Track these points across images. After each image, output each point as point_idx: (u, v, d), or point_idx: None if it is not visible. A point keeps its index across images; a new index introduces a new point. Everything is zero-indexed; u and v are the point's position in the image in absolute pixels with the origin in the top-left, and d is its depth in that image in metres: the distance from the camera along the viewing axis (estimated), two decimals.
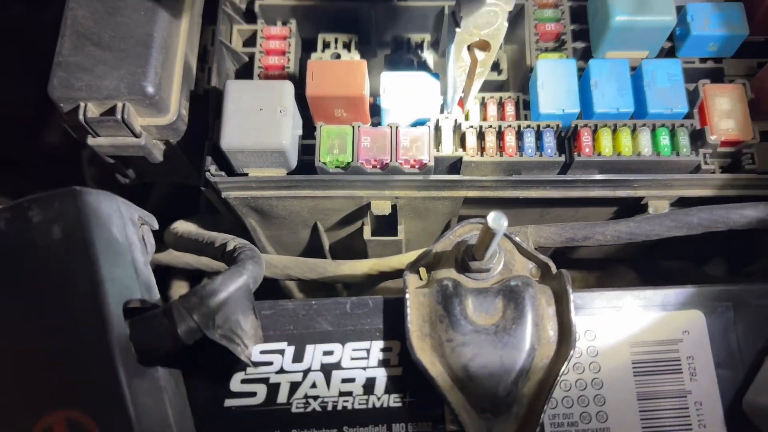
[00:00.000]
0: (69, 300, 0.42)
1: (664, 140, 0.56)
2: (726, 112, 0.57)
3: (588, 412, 0.47)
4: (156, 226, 0.52)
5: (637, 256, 0.79)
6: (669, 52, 0.61)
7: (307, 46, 0.65)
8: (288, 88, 0.56)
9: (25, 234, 0.43)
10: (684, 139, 0.56)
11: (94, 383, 0.40)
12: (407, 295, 0.48)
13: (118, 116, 0.55)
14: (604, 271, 0.79)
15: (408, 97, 0.56)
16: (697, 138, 0.56)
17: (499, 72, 0.63)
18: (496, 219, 0.41)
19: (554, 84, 0.57)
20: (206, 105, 0.61)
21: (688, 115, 0.57)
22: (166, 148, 0.61)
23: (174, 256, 0.70)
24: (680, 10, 0.59)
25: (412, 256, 0.55)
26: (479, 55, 0.53)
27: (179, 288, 0.75)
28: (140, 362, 0.42)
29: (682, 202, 0.58)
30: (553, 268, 0.49)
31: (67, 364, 0.41)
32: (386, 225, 0.64)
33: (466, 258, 0.49)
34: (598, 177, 0.56)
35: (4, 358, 0.41)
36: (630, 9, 0.57)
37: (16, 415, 0.40)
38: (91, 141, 0.59)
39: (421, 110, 0.56)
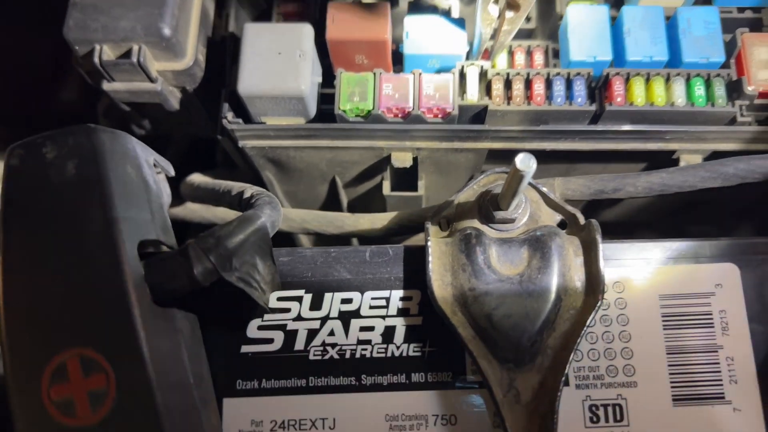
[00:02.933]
0: (83, 238, 0.41)
1: (699, 90, 0.54)
2: (764, 63, 0.54)
3: (615, 365, 0.45)
4: (172, 173, 0.51)
5: (660, 219, 0.76)
6: (705, 0, 0.58)
7: None
8: (308, 30, 0.54)
9: (39, 170, 0.42)
10: (720, 90, 0.54)
11: (108, 323, 0.39)
12: (429, 243, 0.46)
13: (134, 59, 0.54)
14: (627, 235, 0.77)
15: (432, 42, 0.54)
16: (734, 89, 0.54)
17: (528, 20, 0.61)
18: (524, 160, 0.40)
19: (585, 31, 0.55)
20: (223, 53, 0.59)
21: (725, 65, 0.54)
22: (182, 96, 0.60)
23: (190, 210, 0.69)
24: None
25: (434, 208, 0.54)
26: (508, 14, 0.51)
27: None
28: (155, 303, 0.41)
29: (715, 156, 0.56)
30: (581, 219, 0.47)
31: (81, 303, 0.39)
32: (406, 180, 0.63)
33: (490, 207, 0.47)
34: (630, 128, 0.54)
35: (17, 295, 0.40)
36: None
37: (30, 353, 0.39)
38: (106, 86, 0.57)
39: (446, 56, 0.54)
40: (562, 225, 0.49)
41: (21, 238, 0.41)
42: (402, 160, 0.57)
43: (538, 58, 0.57)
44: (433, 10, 0.60)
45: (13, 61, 0.94)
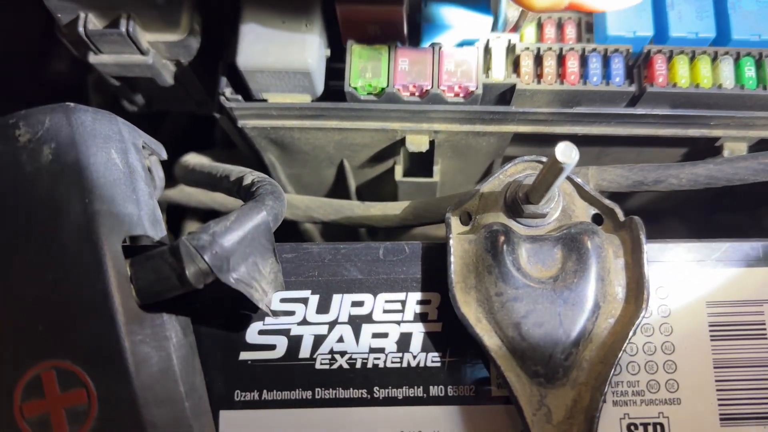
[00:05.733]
0: (60, 232, 0.36)
1: (750, 71, 0.48)
2: None
3: (656, 379, 0.40)
4: (164, 156, 0.46)
5: (689, 207, 0.71)
6: None
7: None
8: (313, 3, 0.48)
9: (10, 155, 0.37)
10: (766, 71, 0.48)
11: (87, 330, 0.35)
12: (450, 241, 0.41)
13: (123, 29, 0.49)
14: (654, 224, 0.72)
15: (453, 12, 0.49)
16: None
17: None
18: (565, 151, 0.34)
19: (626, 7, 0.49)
20: (222, 23, 0.54)
21: None
22: (177, 70, 0.54)
23: (185, 194, 0.64)
24: None
25: (454, 198, 0.48)
26: None
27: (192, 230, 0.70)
28: (141, 307, 0.36)
29: (762, 146, 0.51)
30: (620, 215, 0.42)
31: (57, 309, 0.35)
32: (420, 165, 0.58)
33: (519, 201, 0.42)
34: (671, 112, 0.49)
35: None
36: None
37: (0, 367, 0.34)
38: (93, 59, 0.52)
39: (469, 28, 0.49)
40: (596, 220, 0.44)
41: None
42: (418, 143, 0.52)
43: (570, 32, 0.51)
44: None
45: (5, 37, 0.89)
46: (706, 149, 0.52)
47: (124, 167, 0.39)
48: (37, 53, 0.91)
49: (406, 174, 0.58)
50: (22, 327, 0.35)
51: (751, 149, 0.51)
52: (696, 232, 0.74)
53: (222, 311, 0.41)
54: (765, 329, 0.41)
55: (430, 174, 0.58)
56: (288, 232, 0.68)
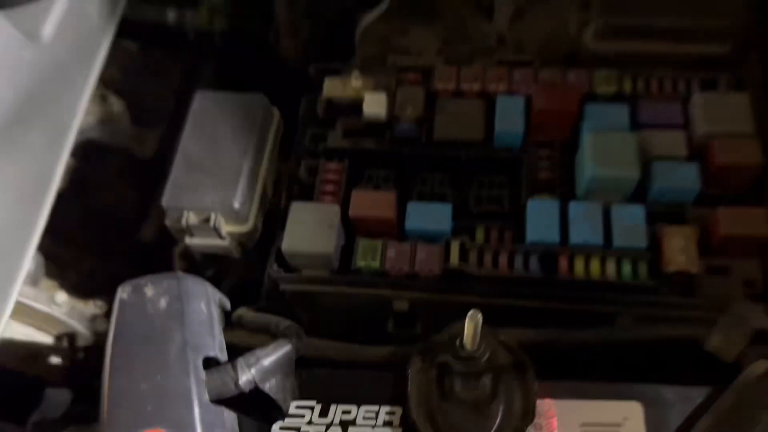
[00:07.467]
0: (166, 350, 0.59)
1: (627, 268, 0.71)
2: (678, 248, 0.71)
3: None
4: (228, 307, 0.70)
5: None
6: (638, 197, 0.76)
7: (354, 178, 0.84)
8: (336, 210, 0.74)
9: (141, 303, 0.62)
10: (643, 268, 0.70)
11: (177, 412, 0.57)
12: (409, 373, 0.63)
13: (212, 224, 0.75)
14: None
15: (427, 221, 0.74)
16: (655, 267, 0.71)
17: (502, 207, 0.80)
18: (472, 315, 0.57)
19: (541, 218, 0.73)
20: (275, 221, 0.80)
21: (649, 249, 0.71)
22: (242, 250, 0.80)
23: (237, 336, 0.87)
24: (647, 165, 0.75)
25: (419, 345, 0.70)
26: None
27: None
28: (210, 402, 0.58)
29: (642, 319, 0.72)
30: (526, 362, 0.63)
31: (161, 396, 0.57)
32: (405, 320, 0.80)
33: (458, 346, 0.64)
34: (574, 293, 0.71)
35: (117, 387, 0.58)
36: (603, 164, 0.74)
37: (121, 428, 0.56)
38: (188, 240, 0.78)
39: (436, 231, 0.74)
40: (515, 364, 0.65)
41: (124, 348, 0.60)
42: (400, 305, 0.75)
43: (507, 236, 0.76)
44: (431, 197, 0.81)
45: (108, 208, 1.17)
46: (600, 320, 0.73)
47: (207, 314, 0.63)
48: (133, 224, 1.19)
49: (395, 327, 0.80)
50: (137, 407, 0.57)
51: (635, 322, 0.72)
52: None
53: (258, 410, 0.63)
54: None
55: (413, 328, 0.80)
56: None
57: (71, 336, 0.98)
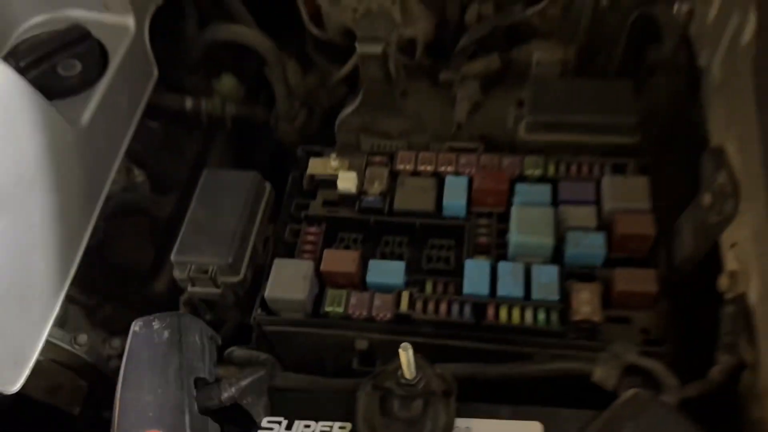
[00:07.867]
0: (166, 372, 0.76)
1: (542, 316, 0.87)
2: (584, 300, 0.87)
3: None
4: (219, 342, 0.87)
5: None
6: (557, 260, 0.93)
7: (330, 240, 1.02)
8: (310, 265, 0.92)
9: (150, 335, 0.79)
10: (555, 316, 0.87)
11: (171, 419, 0.73)
12: (359, 395, 0.79)
13: (210, 275, 0.93)
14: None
15: (384, 275, 0.92)
16: (565, 316, 0.87)
17: (449, 265, 0.97)
18: (404, 347, 0.74)
19: (476, 275, 0.90)
20: (262, 273, 0.98)
21: (561, 301, 0.88)
22: (235, 297, 0.98)
23: (229, 371, 1.04)
24: (564, 234, 0.93)
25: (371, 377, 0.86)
26: None
27: None
28: (199, 412, 0.74)
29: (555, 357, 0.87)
30: (453, 389, 0.79)
31: (160, 407, 0.74)
32: (366, 358, 0.96)
33: (398, 375, 0.80)
34: (499, 336, 0.88)
35: (126, 400, 0.75)
36: (525, 231, 0.91)
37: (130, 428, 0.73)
38: (190, 289, 0.96)
39: (390, 284, 0.91)
40: (444, 391, 0.80)
41: (134, 368, 0.77)
42: (361, 344, 0.92)
43: (451, 288, 0.93)
44: (391, 256, 0.98)
45: (127, 261, 1.35)
46: (519, 358, 0.89)
47: (200, 344, 0.80)
48: (148, 276, 1.36)
49: (359, 364, 0.96)
50: (141, 413, 0.73)
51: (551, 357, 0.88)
52: None
53: (237, 421, 0.78)
54: None
55: (374, 365, 0.96)
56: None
57: (89, 373, 1.15)
